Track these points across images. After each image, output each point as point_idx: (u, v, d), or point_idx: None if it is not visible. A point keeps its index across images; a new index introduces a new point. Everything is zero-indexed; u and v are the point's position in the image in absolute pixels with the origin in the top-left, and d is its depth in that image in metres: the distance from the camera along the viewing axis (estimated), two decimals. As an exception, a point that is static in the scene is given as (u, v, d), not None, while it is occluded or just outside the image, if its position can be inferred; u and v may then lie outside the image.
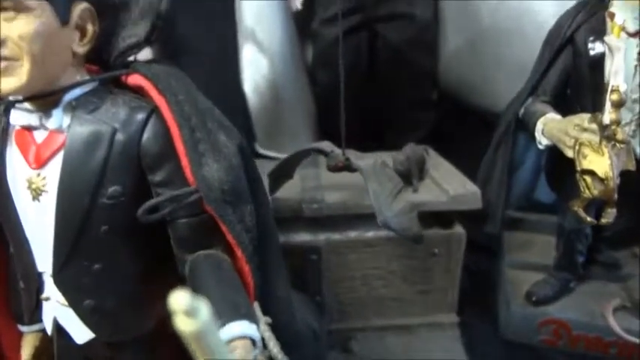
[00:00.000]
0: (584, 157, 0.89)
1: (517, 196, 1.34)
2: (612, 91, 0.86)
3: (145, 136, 0.64)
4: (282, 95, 1.44)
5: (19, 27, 0.59)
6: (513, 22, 1.43)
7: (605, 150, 0.86)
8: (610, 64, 0.91)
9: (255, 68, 1.43)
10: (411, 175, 1.15)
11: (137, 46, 0.65)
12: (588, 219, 0.93)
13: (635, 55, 1.00)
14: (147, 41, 0.65)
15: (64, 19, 0.62)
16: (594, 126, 0.89)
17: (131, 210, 0.64)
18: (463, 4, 1.46)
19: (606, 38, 0.93)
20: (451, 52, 1.51)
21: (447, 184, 1.17)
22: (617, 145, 0.85)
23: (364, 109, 1.51)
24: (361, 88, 1.50)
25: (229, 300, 0.60)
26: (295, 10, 1.46)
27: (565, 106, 1.10)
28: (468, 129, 1.59)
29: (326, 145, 1.03)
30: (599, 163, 0.87)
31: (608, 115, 0.87)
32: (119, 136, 0.64)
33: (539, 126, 1.04)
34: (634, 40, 1.00)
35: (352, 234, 1.17)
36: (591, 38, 1.03)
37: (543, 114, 1.05)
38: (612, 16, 1.02)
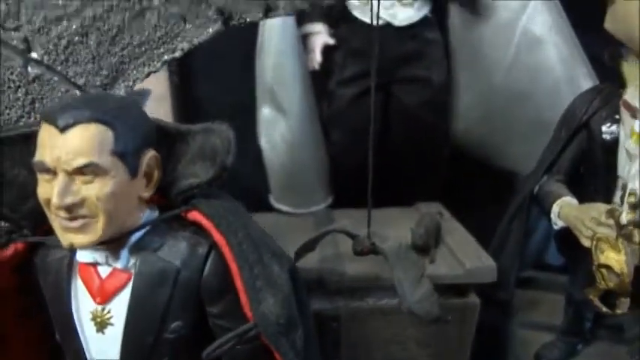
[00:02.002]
0: (602, 252, 0.93)
1: (528, 258, 1.38)
2: (630, 194, 0.91)
3: (206, 272, 0.68)
4: (298, 154, 1.47)
5: (96, 188, 0.63)
6: (525, 83, 1.48)
7: (622, 247, 0.90)
8: (628, 168, 0.95)
9: (273, 126, 1.47)
10: (429, 247, 1.19)
11: (198, 187, 0.68)
12: (604, 309, 0.97)
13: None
14: (209, 184, 0.68)
15: (134, 173, 0.65)
16: (611, 221, 0.93)
17: (189, 340, 0.67)
18: (476, 65, 1.50)
19: (625, 144, 0.97)
20: (465, 111, 1.55)
21: (463, 255, 1.21)
22: (634, 244, 0.89)
23: (378, 166, 1.54)
24: (375, 146, 1.54)
25: None
26: (312, 70, 1.50)
27: (579, 185, 1.14)
28: (479, 184, 1.63)
29: (350, 227, 1.06)
30: (616, 260, 0.91)
31: (625, 216, 0.91)
32: (182, 274, 0.67)
33: (555, 208, 1.09)
34: (647, 129, 1.05)
35: (370, 301, 1.21)
36: (607, 125, 1.08)
37: (559, 196, 1.09)
38: (627, 105, 1.06)
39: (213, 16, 0.66)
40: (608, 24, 1.09)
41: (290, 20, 1.41)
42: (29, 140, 0.65)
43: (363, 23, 1.42)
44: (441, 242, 1.28)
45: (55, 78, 0.66)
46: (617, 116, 1.07)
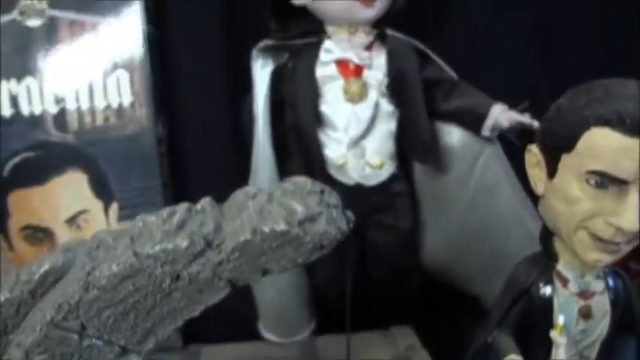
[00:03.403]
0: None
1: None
2: (555, 369, 1.12)
3: None
4: (283, 292, 1.67)
5: None
6: (481, 225, 1.71)
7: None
8: (554, 351, 1.16)
9: (262, 271, 1.66)
10: (400, 385, 1.39)
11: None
12: None
13: (577, 310, 1.27)
14: None
15: None
16: (544, 389, 1.14)
17: None
18: (439, 210, 1.73)
19: (551, 333, 1.19)
20: (431, 247, 1.77)
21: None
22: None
23: (355, 298, 1.74)
24: (352, 281, 1.73)
25: None
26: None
27: (523, 337, 1.35)
28: (446, 307, 1.85)
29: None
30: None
31: (551, 386, 1.13)
32: None
33: (503, 364, 1.30)
34: (575, 298, 1.28)
35: None
36: (543, 292, 1.30)
37: (506, 353, 1.30)
38: (559, 276, 1.29)
39: (223, 285, 0.87)
40: (540, 210, 1.32)
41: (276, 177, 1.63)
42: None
43: (339, 182, 1.63)
44: (410, 373, 1.48)
45: (101, 342, 0.85)
46: (551, 285, 1.30)
